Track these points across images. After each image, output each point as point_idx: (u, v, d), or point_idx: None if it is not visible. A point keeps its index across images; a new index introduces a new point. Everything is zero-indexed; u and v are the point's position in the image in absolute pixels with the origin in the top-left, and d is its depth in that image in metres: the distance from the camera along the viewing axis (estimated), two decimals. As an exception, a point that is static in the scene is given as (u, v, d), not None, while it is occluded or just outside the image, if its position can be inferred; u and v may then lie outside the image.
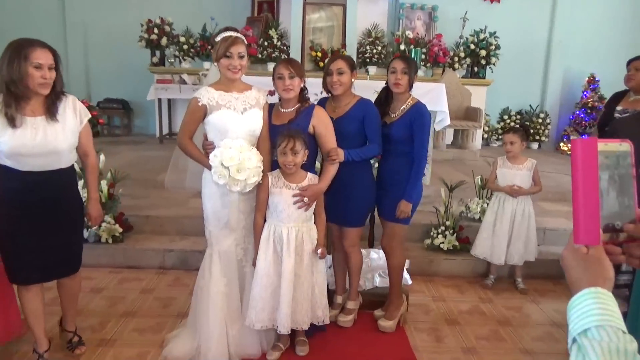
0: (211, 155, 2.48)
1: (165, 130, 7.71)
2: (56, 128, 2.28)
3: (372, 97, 2.99)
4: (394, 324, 3.03)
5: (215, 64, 2.59)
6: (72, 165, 2.47)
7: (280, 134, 2.47)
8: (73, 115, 2.37)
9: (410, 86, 2.87)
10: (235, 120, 2.54)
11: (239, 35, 2.52)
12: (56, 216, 2.38)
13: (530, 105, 8.74)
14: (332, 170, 2.65)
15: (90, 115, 2.48)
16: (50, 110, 2.28)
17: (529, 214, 3.60)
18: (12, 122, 2.18)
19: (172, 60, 7.69)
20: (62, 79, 2.35)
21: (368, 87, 3.98)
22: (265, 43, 7.37)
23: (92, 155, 2.52)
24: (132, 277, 3.65)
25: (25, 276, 2.40)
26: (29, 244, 2.33)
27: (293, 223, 2.51)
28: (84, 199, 2.64)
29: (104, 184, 3.81)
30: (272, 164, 2.64)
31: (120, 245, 3.82)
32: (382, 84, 3.02)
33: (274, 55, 7.36)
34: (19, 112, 2.21)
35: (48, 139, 2.25)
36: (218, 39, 2.51)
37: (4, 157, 2.24)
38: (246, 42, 2.57)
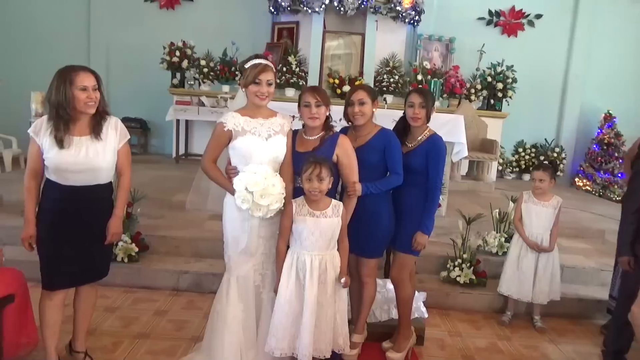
0: (236, 180, 2.50)
1: (182, 151, 7.78)
2: (97, 147, 2.42)
3: (391, 126, 3.01)
4: (402, 356, 2.98)
5: (243, 89, 2.63)
6: (110, 181, 2.58)
7: (306, 161, 2.48)
8: (114, 135, 2.50)
9: (428, 119, 2.89)
10: (259, 146, 2.55)
11: (268, 63, 2.56)
12: (89, 226, 2.47)
13: (545, 139, 8.73)
14: (352, 204, 2.67)
15: (129, 136, 2.62)
16: (95, 130, 2.43)
17: (554, 250, 3.56)
18: (60, 144, 2.34)
19: (192, 82, 7.82)
20: (105, 100, 2.47)
21: (386, 116, 3.99)
22: (284, 69, 7.48)
23: (127, 175, 2.62)
24: (146, 298, 3.63)
25: (56, 281, 2.48)
26: (62, 251, 2.43)
27: (317, 251, 2.50)
28: None
29: (122, 203, 3.83)
30: (294, 191, 2.65)
31: (135, 265, 3.82)
32: (400, 113, 3.04)
33: (292, 81, 7.46)
34: (67, 133, 2.35)
35: (90, 157, 2.39)
36: (248, 65, 2.55)
37: (50, 172, 2.40)
38: (274, 70, 2.61)
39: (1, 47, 8.20)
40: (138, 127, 8.32)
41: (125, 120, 8.14)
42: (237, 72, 7.48)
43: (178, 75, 7.84)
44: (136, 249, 3.83)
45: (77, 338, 2.70)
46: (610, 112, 8.28)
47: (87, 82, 2.34)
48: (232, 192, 2.53)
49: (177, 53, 7.63)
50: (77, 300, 2.66)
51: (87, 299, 2.67)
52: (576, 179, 8.46)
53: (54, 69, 2.40)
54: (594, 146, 8.31)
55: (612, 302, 3.60)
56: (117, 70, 8.52)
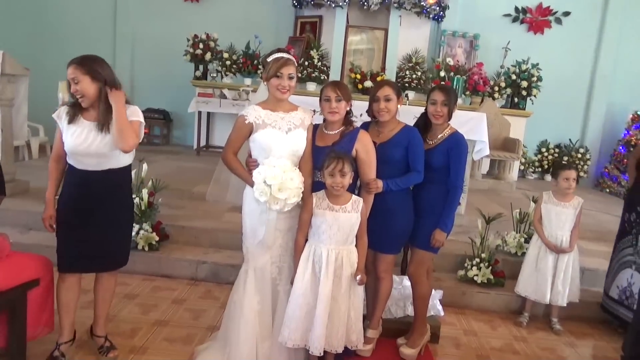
0: (255, 172, 2.52)
1: (203, 143, 7.86)
2: (105, 135, 2.44)
3: (412, 123, 3.00)
4: (416, 352, 2.99)
5: (265, 83, 2.65)
6: (126, 167, 2.60)
7: (328, 156, 2.49)
8: None
9: (450, 117, 2.87)
10: (279, 140, 2.57)
11: (290, 57, 2.58)
12: (101, 212, 2.51)
13: (570, 140, 8.57)
14: (370, 199, 2.68)
15: (139, 118, 2.57)
16: (101, 120, 2.45)
17: (573, 251, 3.52)
18: (71, 119, 2.45)
19: (215, 75, 7.89)
20: (106, 89, 2.44)
21: (408, 112, 3.97)
22: (306, 63, 7.49)
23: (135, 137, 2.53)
24: (164, 286, 3.70)
25: (67, 263, 2.56)
26: (75, 234, 2.51)
27: (334, 245, 2.51)
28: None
29: (144, 192, 3.90)
30: (313, 185, 2.66)
31: (155, 254, 3.88)
32: (422, 109, 3.03)
33: (314, 75, 7.47)
34: (79, 114, 2.46)
35: (95, 143, 2.44)
36: (270, 59, 2.56)
37: (69, 156, 2.49)
38: (296, 65, 2.62)
39: (28, 37, 8.38)
40: (161, 118, 8.45)
41: (148, 111, 8.30)
42: (259, 66, 7.52)
43: (201, 67, 7.92)
44: (157, 238, 3.89)
45: (97, 323, 2.78)
46: (638, 113, 8.07)
47: (69, 75, 2.39)
48: (252, 184, 2.55)
49: (201, 45, 7.71)
50: (96, 287, 2.74)
51: (105, 287, 2.74)
52: (600, 181, 8.30)
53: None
54: (620, 147, 8.12)
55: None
56: (141, 61, 8.65)
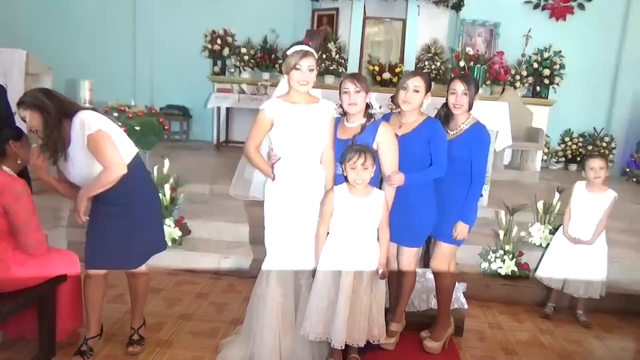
0: (277, 166, 2.53)
1: (222, 138, 7.91)
2: (68, 164, 2.46)
3: (432, 114, 2.97)
4: (440, 345, 2.97)
5: (285, 76, 2.64)
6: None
7: (350, 149, 2.47)
8: (77, 142, 2.39)
9: (470, 107, 2.82)
10: (300, 133, 2.56)
11: (310, 49, 2.56)
12: (107, 215, 2.54)
13: (594, 128, 8.36)
14: (392, 193, 2.66)
15: (91, 130, 2.34)
16: (58, 151, 2.40)
17: (601, 242, 3.45)
18: (55, 161, 2.46)
19: (233, 70, 7.91)
20: (50, 117, 2.34)
21: (427, 104, 3.93)
22: (324, 56, 7.44)
23: (109, 169, 2.38)
24: (188, 281, 3.74)
25: (89, 260, 2.59)
26: (94, 233, 2.56)
27: (355, 238, 2.50)
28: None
29: (167, 188, 3.94)
30: (335, 178, 2.65)
31: (178, 249, 3.93)
32: (442, 100, 2.99)
33: (331, 68, 7.43)
34: (58, 152, 2.42)
35: (72, 173, 2.48)
36: (290, 52, 2.56)
37: None
38: (316, 57, 2.60)
39: (49, 35, 8.46)
40: (180, 115, 8.50)
41: (168, 107, 8.37)
42: (277, 60, 7.53)
43: (219, 63, 7.95)
44: (179, 233, 3.93)
45: (131, 315, 2.85)
46: (665, 100, 7.85)
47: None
48: (273, 178, 2.56)
49: (219, 41, 7.74)
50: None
51: (130, 284, 2.78)
52: (627, 170, 8.10)
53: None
54: (647, 136, 7.91)
55: None
56: (161, 58, 8.69)
